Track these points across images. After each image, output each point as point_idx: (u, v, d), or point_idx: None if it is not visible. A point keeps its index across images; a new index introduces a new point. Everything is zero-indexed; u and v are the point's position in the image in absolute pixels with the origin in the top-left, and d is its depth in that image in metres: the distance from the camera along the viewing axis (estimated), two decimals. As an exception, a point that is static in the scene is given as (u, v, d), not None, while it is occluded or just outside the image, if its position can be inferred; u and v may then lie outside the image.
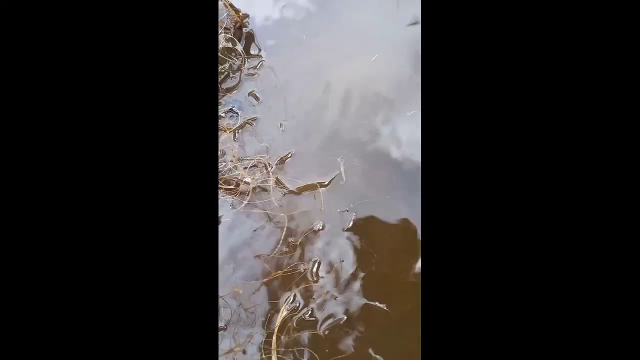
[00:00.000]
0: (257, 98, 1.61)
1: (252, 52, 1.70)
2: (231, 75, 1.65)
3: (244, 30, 1.72)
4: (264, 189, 1.49)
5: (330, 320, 1.37)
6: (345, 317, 1.36)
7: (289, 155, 1.54)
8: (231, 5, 1.69)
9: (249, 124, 1.56)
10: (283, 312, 1.38)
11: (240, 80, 1.65)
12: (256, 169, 1.49)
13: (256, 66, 1.65)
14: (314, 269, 1.42)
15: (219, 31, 1.66)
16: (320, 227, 1.45)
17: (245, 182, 1.46)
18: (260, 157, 1.50)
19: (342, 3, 1.77)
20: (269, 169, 1.49)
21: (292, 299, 1.41)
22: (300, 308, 1.40)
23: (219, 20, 1.68)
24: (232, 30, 1.68)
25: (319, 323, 1.38)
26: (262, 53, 1.67)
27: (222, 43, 1.62)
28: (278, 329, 1.34)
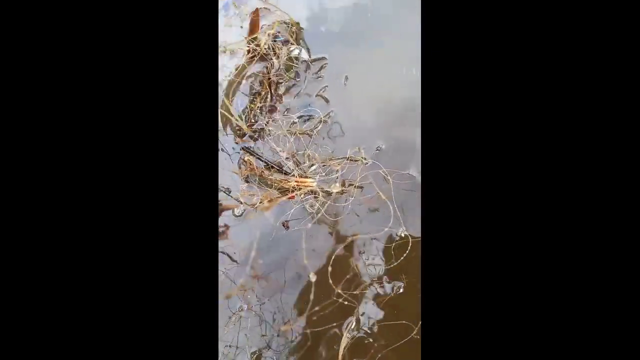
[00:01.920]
0: (326, 100, 1.67)
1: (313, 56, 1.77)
2: (296, 80, 1.73)
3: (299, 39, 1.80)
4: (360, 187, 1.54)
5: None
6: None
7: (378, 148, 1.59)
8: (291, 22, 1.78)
9: (325, 121, 1.63)
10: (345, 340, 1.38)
11: (306, 85, 1.72)
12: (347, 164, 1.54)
13: (319, 71, 1.72)
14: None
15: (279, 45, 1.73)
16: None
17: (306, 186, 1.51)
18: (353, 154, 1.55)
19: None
20: (366, 162, 1.54)
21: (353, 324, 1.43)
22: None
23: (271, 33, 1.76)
24: (291, 40, 1.75)
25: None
26: (326, 55, 1.73)
27: (287, 55, 1.70)
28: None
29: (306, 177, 1.53)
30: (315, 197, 1.50)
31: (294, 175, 1.53)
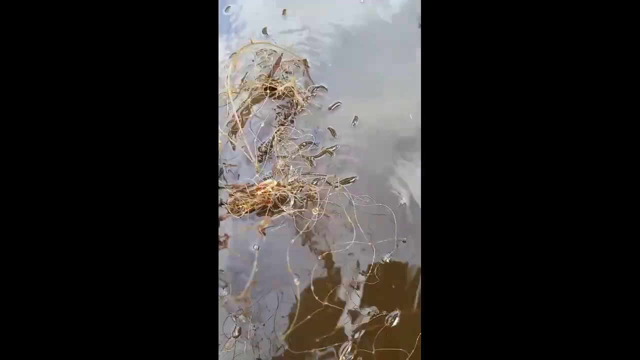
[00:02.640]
0: (333, 133, 1.87)
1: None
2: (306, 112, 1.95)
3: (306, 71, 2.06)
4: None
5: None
6: None
7: (353, 179, 1.76)
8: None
9: (329, 152, 1.82)
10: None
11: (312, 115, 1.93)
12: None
13: (331, 107, 1.94)
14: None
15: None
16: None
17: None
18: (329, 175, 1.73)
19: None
20: (334, 184, 1.71)
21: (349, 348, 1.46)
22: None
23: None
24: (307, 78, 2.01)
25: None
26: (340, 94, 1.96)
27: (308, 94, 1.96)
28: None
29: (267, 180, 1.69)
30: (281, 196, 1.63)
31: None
